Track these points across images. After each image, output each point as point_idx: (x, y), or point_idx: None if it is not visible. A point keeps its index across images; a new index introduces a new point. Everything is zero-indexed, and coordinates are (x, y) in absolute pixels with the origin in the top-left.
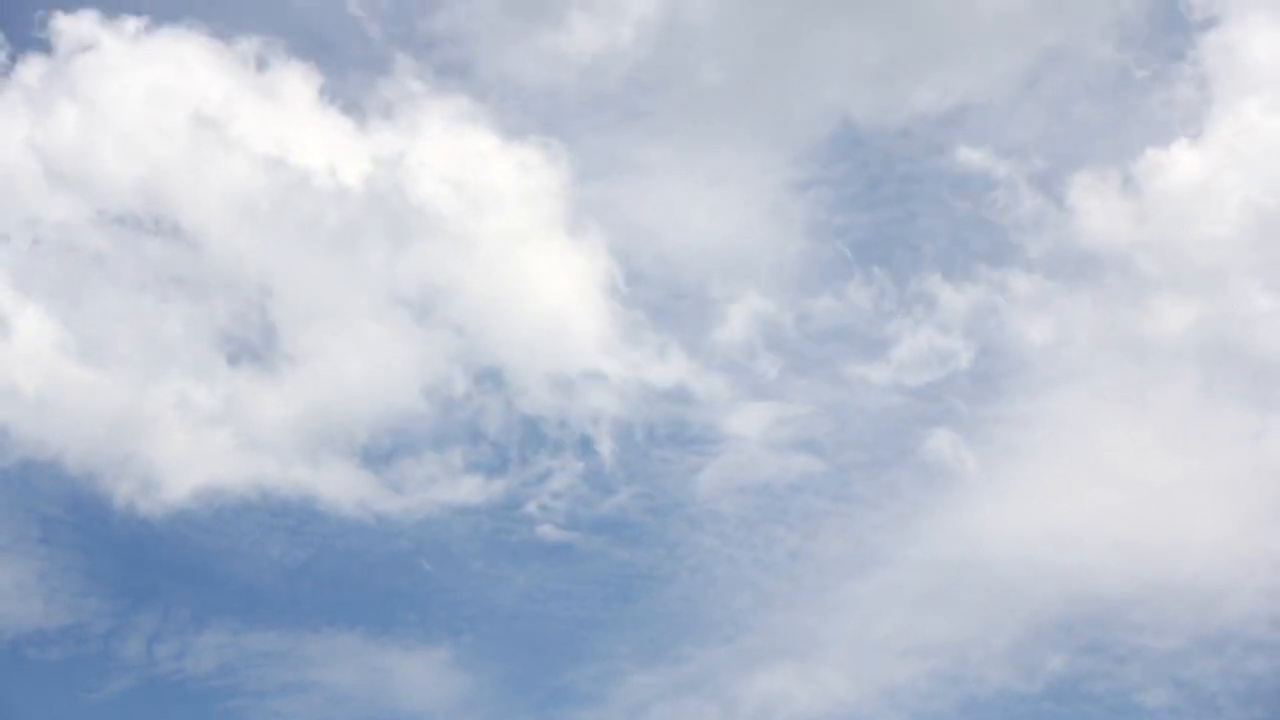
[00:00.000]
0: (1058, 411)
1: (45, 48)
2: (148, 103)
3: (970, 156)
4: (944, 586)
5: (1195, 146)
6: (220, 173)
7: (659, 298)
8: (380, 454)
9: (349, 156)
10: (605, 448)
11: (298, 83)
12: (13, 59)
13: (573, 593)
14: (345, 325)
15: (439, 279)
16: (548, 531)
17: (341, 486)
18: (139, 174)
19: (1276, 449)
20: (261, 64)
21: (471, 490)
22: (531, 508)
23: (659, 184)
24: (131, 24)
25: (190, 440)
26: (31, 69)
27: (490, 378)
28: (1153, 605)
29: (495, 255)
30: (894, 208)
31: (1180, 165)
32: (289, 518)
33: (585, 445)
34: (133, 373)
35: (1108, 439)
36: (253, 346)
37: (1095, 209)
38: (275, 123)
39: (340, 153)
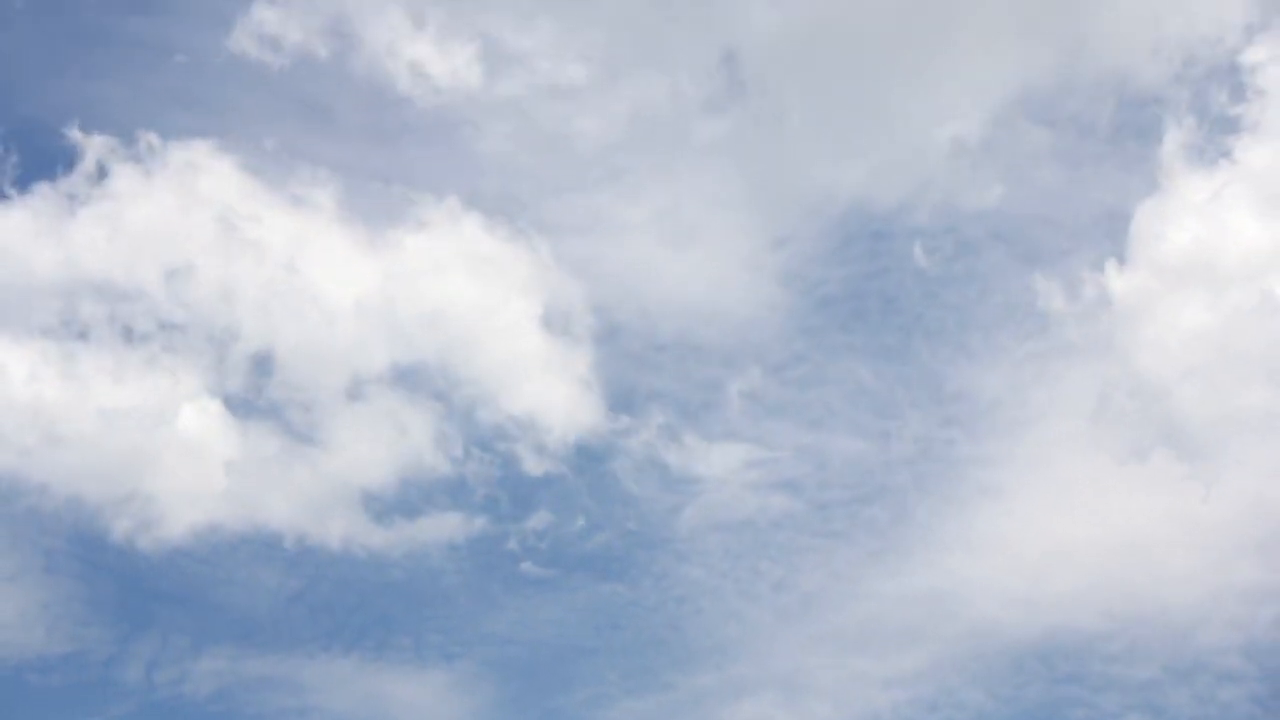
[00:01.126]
0: (1026, 453)
1: (65, 162)
2: (166, 212)
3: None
4: (922, 619)
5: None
6: (232, 270)
7: (640, 349)
8: (368, 501)
9: (356, 260)
10: (584, 491)
11: (303, 187)
12: (33, 172)
13: (564, 620)
14: (346, 399)
15: (437, 360)
16: (529, 569)
17: (330, 523)
18: (157, 275)
19: (1238, 491)
20: (269, 170)
21: (453, 527)
22: (512, 544)
23: (638, 242)
24: (151, 138)
25: (190, 484)
26: (53, 182)
27: (475, 433)
28: (1126, 637)
29: (487, 331)
30: (866, 264)
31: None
32: (282, 550)
33: (564, 489)
34: (140, 424)
35: (1076, 480)
36: (257, 408)
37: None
38: (286, 227)
39: (349, 256)
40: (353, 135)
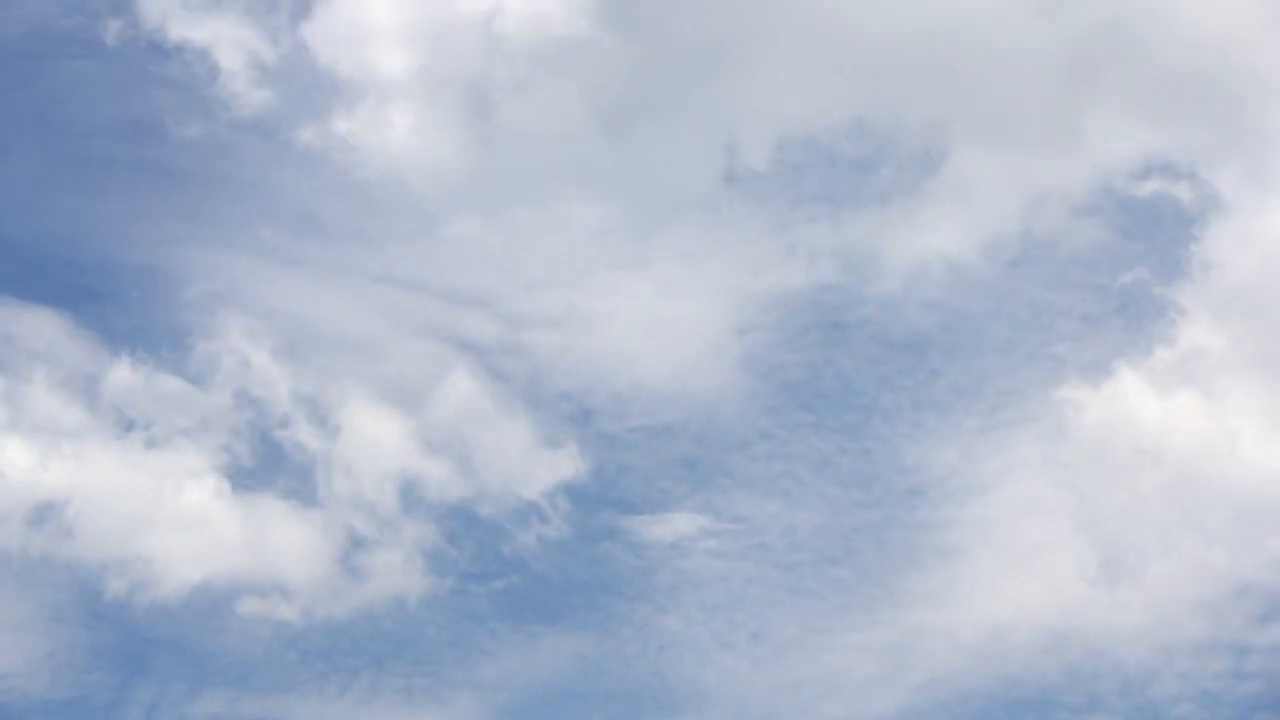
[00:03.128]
0: (977, 518)
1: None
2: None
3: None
4: (888, 670)
5: None
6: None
7: (613, 430)
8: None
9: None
10: (566, 553)
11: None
12: None
13: (551, 667)
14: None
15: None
16: (509, 622)
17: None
18: None
19: (1191, 549)
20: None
21: (425, 584)
22: (484, 604)
23: (610, 333)
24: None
25: (191, 548)
26: None
27: (454, 506)
28: (1085, 689)
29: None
30: (824, 350)
31: None
32: (275, 599)
33: (546, 552)
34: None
35: (1026, 542)
36: (259, 480)
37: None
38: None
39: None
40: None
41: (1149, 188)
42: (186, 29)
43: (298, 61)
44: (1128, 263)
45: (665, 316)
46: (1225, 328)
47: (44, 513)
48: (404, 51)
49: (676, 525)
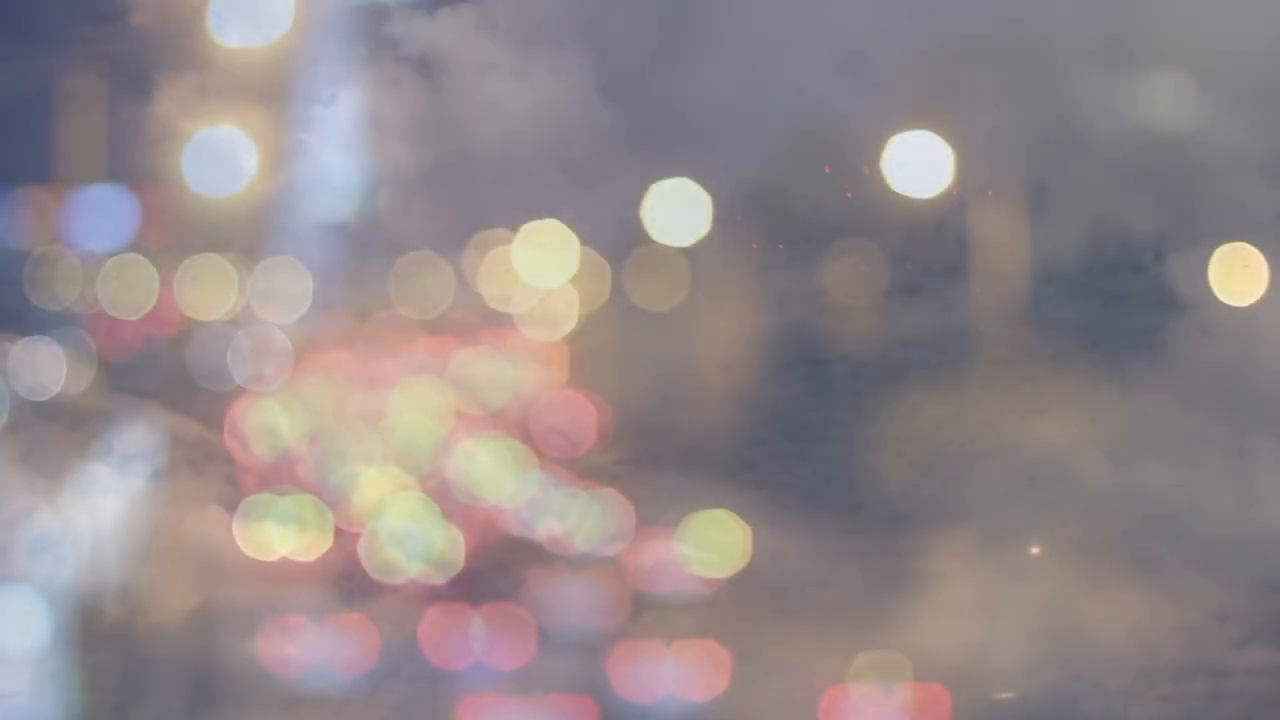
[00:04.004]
0: (957, 544)
1: None
2: None
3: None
4: (873, 689)
5: None
6: None
7: (601, 462)
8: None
9: None
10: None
11: None
12: None
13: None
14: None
15: None
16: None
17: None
18: None
19: (1170, 576)
20: None
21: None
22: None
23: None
24: None
25: (189, 574)
26: None
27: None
28: (1070, 708)
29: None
30: (806, 384)
31: None
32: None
33: (534, 580)
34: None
35: (1012, 566)
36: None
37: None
38: None
39: None
40: None
41: (1121, 273)
42: (198, 123)
43: (308, 156)
44: (1099, 334)
45: (652, 353)
46: (1188, 405)
47: (47, 541)
48: (413, 147)
49: (672, 554)
